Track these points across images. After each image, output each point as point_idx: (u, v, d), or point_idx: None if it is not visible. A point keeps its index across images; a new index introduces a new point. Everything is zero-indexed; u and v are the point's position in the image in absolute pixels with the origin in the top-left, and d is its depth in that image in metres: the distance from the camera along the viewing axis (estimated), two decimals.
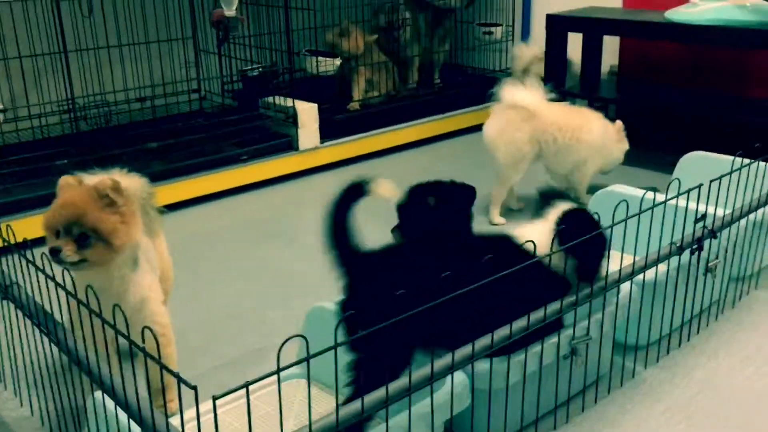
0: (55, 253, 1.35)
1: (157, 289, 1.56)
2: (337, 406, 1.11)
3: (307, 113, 3.12)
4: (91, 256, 1.38)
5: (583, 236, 1.44)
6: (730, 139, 2.76)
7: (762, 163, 1.92)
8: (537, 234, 1.47)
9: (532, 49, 3.61)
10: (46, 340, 1.38)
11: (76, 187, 1.42)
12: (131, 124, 3.16)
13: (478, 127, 2.99)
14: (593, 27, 3.29)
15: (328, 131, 3.21)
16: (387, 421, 1.18)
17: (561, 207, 1.55)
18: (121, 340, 1.12)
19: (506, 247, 1.48)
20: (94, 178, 1.45)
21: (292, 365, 1.07)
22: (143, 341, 1.07)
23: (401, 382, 1.17)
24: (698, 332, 1.88)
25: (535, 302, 1.38)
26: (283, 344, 1.02)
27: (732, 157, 1.86)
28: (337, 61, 3.36)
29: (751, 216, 1.90)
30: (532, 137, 2.57)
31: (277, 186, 3.05)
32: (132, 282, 1.47)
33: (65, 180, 1.44)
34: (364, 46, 3.41)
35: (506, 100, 2.57)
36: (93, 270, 1.41)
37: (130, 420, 1.11)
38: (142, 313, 1.49)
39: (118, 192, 1.40)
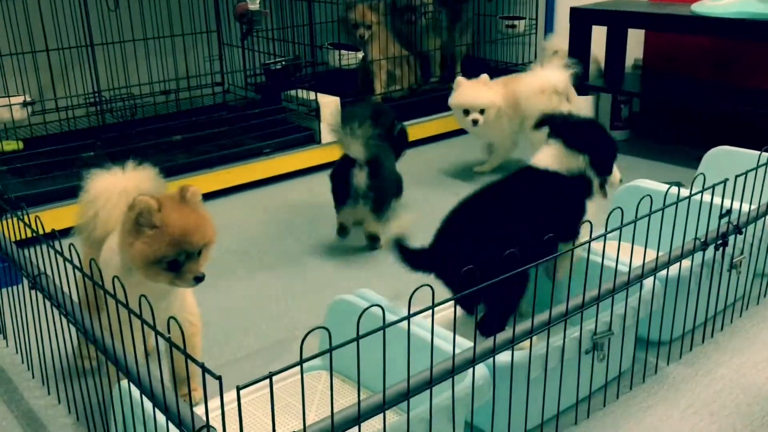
0: (200, 279, 1.37)
1: None
2: (359, 397, 1.11)
3: (330, 106, 3.13)
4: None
5: (586, 133, 1.69)
6: (756, 133, 2.72)
7: None
8: (552, 153, 1.68)
9: (559, 42, 3.58)
10: (73, 329, 1.40)
11: (185, 203, 1.38)
12: (156, 116, 3.19)
13: None
14: (618, 20, 3.26)
15: None
16: (408, 413, 1.19)
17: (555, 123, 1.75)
18: (148, 329, 1.14)
19: (530, 174, 1.71)
20: (181, 189, 1.40)
21: (314, 356, 1.08)
22: (168, 331, 1.09)
23: (422, 375, 1.18)
24: (722, 329, 1.87)
25: (572, 205, 1.65)
26: (306, 336, 1.03)
27: (758, 152, 1.84)
28: (360, 55, 3.36)
29: None
30: None
31: (299, 179, 3.06)
32: None
33: (177, 194, 1.39)
34: (375, 18, 3.42)
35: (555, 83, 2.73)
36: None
37: (155, 408, 1.13)
38: (175, 303, 1.50)
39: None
